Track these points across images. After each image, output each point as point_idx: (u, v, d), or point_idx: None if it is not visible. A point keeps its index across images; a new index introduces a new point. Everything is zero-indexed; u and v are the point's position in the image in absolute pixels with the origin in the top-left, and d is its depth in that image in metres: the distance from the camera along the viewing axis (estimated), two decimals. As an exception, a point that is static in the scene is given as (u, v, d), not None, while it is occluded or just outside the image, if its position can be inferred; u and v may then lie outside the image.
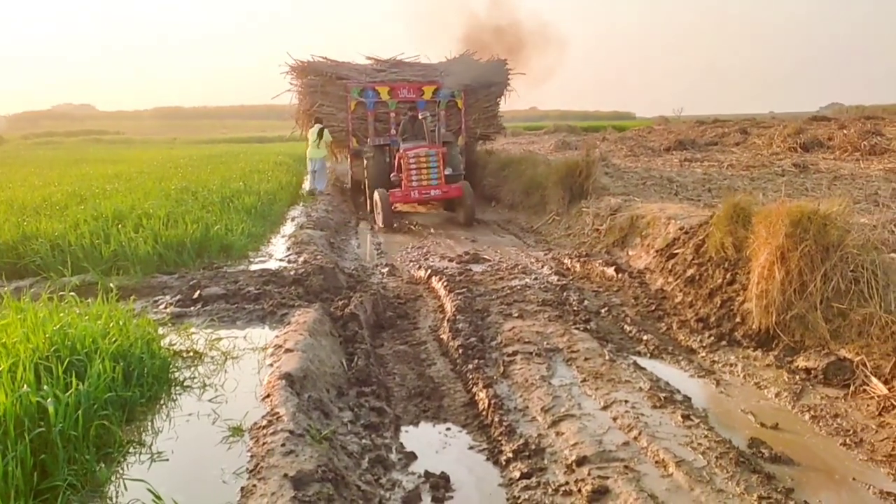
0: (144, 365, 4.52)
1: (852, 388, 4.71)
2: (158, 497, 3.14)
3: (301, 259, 8.65)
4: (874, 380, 4.64)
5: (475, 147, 17.67)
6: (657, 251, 7.91)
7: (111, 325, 4.82)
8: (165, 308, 6.51)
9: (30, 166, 22.64)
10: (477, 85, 16.09)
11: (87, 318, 4.84)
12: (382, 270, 9.12)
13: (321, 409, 4.41)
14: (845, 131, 21.63)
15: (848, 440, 4.18)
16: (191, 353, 5.33)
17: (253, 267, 8.33)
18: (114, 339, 4.54)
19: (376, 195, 12.77)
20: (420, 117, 14.01)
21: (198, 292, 6.80)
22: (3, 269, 7.57)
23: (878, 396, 4.50)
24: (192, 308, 6.51)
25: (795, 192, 10.15)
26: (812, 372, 5.01)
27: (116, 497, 3.30)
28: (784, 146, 20.64)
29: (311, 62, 15.79)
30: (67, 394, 3.58)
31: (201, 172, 17.29)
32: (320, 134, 15.09)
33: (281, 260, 8.91)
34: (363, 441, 4.33)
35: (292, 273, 7.68)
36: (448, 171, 12.97)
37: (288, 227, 11.73)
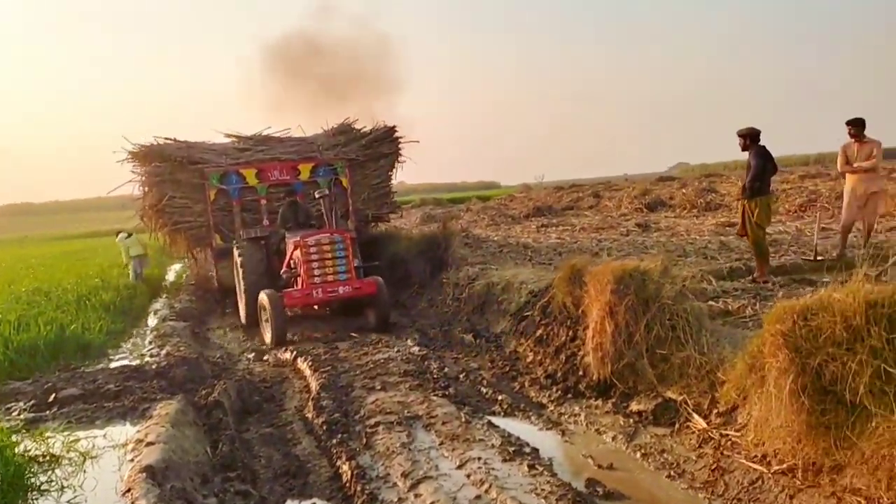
0: (-3, 471, 4.40)
1: (677, 425, 5.27)
2: None
3: (164, 352, 8.54)
4: (695, 416, 5.21)
5: (367, 232, 14.60)
6: (511, 315, 8.43)
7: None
8: (19, 414, 6.27)
9: None
10: (364, 158, 14.00)
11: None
12: (249, 356, 9.13)
13: (184, 498, 4.44)
14: (685, 190, 23.83)
15: (672, 472, 4.68)
16: (47, 458, 5.19)
17: (113, 364, 8.15)
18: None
19: (263, 298, 9.69)
20: (317, 195, 11.43)
21: (53, 395, 6.61)
22: None
23: (698, 430, 5.06)
24: (47, 412, 6.31)
25: (636, 251, 11.12)
26: (643, 414, 5.55)
27: None
28: (631, 207, 22.45)
29: (156, 145, 12.83)
30: None
31: (55, 271, 16.61)
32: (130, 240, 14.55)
33: (143, 355, 8.74)
34: (227, 525, 4.39)
35: (154, 367, 7.60)
36: (356, 263, 10.59)
37: (151, 321, 11.47)
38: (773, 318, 4.17)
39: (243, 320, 11.27)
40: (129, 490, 4.37)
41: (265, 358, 8.98)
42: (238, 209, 12.76)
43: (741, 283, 7.62)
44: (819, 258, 8.38)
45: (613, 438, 5.37)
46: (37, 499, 4.55)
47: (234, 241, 12.05)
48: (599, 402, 6.03)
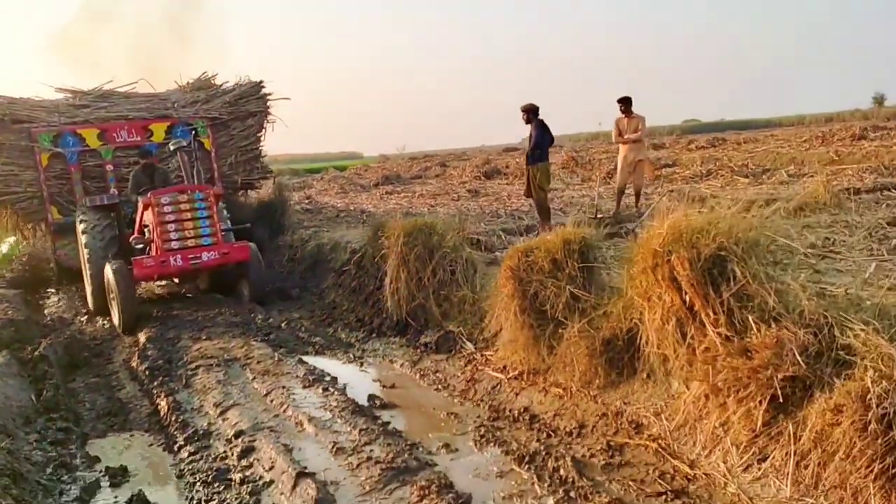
0: None
1: (453, 351, 6.34)
2: None
3: (-10, 315, 8.68)
4: (467, 343, 6.29)
5: (237, 201, 12.93)
6: (335, 271, 9.27)
7: None
8: None
9: None
10: (229, 117, 12.28)
11: None
12: (82, 319, 9.42)
13: (5, 433, 4.97)
14: (519, 160, 25.65)
15: (440, 386, 5.74)
16: None
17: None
18: None
19: (108, 273, 8.31)
20: (172, 146, 9.66)
21: None
22: None
23: (467, 354, 6.15)
24: None
25: (459, 212, 12.23)
26: (429, 345, 6.59)
27: None
28: (471, 176, 23.85)
29: None
30: None
31: None
32: None
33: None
34: (49, 454, 4.97)
35: (-20, 329, 7.80)
36: (225, 225, 9.24)
37: (-22, 290, 11.31)
38: (506, 257, 5.26)
39: (91, 307, 9.39)
40: (-51, 428, 4.85)
41: (98, 320, 9.29)
42: (78, 176, 10.89)
43: (528, 238, 8.85)
44: (599, 216, 9.75)
45: (401, 365, 6.38)
46: None
47: (77, 212, 9.98)
48: (397, 338, 7.04)
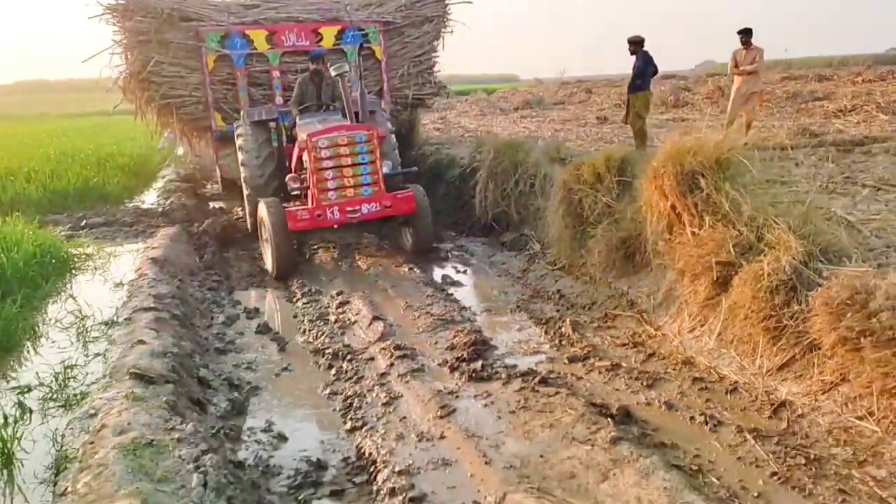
0: (53, 253, 6.79)
1: (523, 250, 7.51)
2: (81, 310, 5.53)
3: (169, 201, 10.84)
4: (535, 244, 7.44)
5: (405, 120, 11.98)
6: (445, 182, 10.57)
7: (27, 231, 7.07)
8: (60, 232, 8.63)
9: None
10: (403, 22, 11.06)
11: (10, 225, 7.10)
12: (238, 212, 11.37)
13: (175, 276, 6.79)
14: (663, 88, 25.39)
15: (502, 273, 6.97)
16: (83, 256, 7.58)
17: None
18: (30, 238, 6.81)
19: (262, 210, 7.47)
20: (333, 71, 7.95)
21: (84, 222, 8.99)
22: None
23: (532, 252, 7.31)
24: (80, 232, 8.71)
25: (591, 139, 12.97)
26: (505, 243, 7.80)
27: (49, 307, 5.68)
28: (612, 103, 24.08)
29: None
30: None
31: (76, 139, 18.78)
32: None
33: (152, 205, 11.06)
34: (206, 295, 6.76)
35: (159, 209, 9.93)
36: (386, 168, 7.73)
37: (159, 183, 13.78)
38: (563, 173, 6.32)
39: (248, 226, 8.74)
40: (139, 268, 6.73)
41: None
42: (244, 82, 10.13)
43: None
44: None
45: (476, 258, 7.65)
46: (76, 274, 6.97)
47: (235, 124, 9.33)
48: (481, 238, 8.30)
